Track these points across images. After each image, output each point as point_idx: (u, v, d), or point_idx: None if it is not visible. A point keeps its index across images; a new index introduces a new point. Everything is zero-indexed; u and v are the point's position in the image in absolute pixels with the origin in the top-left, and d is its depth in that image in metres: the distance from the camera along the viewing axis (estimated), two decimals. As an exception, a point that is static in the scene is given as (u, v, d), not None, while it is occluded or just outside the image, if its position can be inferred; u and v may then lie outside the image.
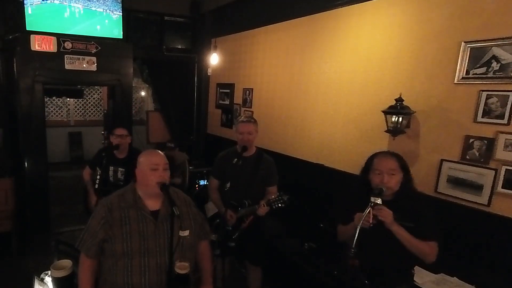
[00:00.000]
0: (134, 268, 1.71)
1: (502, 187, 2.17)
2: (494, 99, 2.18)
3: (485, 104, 2.21)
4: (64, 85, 5.81)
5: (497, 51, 2.16)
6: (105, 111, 5.97)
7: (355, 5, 3.05)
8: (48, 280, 1.99)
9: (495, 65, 2.18)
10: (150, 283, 1.72)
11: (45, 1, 4.10)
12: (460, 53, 2.32)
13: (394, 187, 1.85)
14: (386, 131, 2.67)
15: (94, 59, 4.37)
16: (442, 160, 2.46)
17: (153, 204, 1.81)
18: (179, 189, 2.01)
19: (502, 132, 2.15)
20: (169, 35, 5.47)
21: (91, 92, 8.51)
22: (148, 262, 1.72)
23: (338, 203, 2.15)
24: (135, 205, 1.78)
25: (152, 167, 1.75)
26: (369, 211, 1.69)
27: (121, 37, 4.60)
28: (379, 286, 1.87)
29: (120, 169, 3.19)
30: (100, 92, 8.11)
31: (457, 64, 2.34)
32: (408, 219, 1.80)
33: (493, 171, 2.20)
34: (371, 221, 1.70)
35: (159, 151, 1.89)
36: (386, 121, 2.64)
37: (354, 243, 1.64)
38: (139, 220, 1.76)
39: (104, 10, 4.47)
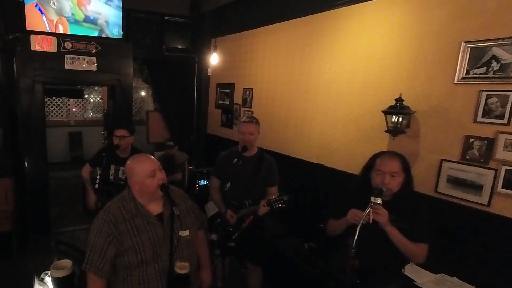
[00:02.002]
0: (150, 276, 1.69)
1: (502, 187, 2.17)
2: (494, 99, 2.18)
3: (485, 104, 2.21)
4: (64, 85, 5.81)
5: (497, 51, 2.16)
6: (105, 111, 5.97)
7: (355, 5, 3.05)
8: (48, 280, 1.99)
9: (495, 65, 2.18)
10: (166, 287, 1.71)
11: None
12: (460, 53, 2.32)
13: (394, 188, 1.84)
14: (386, 131, 2.67)
15: (94, 59, 4.37)
16: (442, 160, 2.46)
17: (155, 208, 1.78)
18: (173, 186, 1.96)
19: (502, 132, 2.15)
20: (169, 35, 5.48)
21: (91, 92, 8.52)
22: (162, 266, 1.70)
23: (335, 199, 2.15)
24: (139, 213, 1.72)
25: (149, 175, 1.70)
26: (369, 210, 1.70)
27: (121, 37, 4.60)
28: (370, 285, 1.88)
29: (121, 168, 3.18)
30: (101, 92, 8.12)
31: (457, 64, 2.34)
32: (402, 220, 1.81)
33: (493, 171, 2.20)
34: (371, 221, 1.71)
35: (148, 155, 1.82)
36: (386, 121, 2.64)
37: (354, 243, 1.64)
38: (147, 227, 1.72)
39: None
